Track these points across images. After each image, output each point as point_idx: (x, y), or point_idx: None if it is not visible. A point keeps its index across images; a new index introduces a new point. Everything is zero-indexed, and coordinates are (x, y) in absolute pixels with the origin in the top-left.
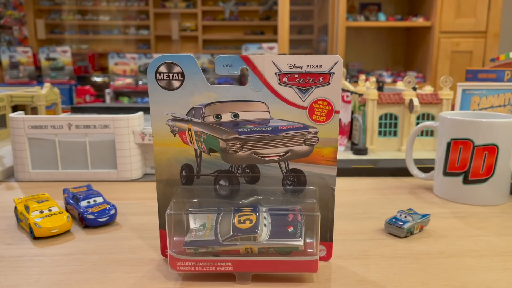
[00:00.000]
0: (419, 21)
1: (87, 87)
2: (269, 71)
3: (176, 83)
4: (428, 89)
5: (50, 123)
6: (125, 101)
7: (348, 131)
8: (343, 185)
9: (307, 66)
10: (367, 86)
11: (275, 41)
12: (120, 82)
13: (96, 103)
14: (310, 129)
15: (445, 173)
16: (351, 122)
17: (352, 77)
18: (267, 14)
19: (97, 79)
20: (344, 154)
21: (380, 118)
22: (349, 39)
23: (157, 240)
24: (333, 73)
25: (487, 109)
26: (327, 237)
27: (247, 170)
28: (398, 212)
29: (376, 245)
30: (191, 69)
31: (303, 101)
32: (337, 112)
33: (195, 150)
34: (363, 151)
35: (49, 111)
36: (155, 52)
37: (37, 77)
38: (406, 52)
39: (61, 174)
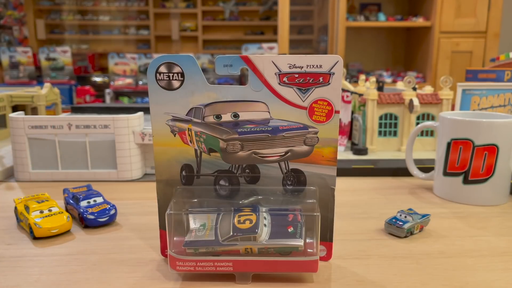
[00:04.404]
0: (419, 21)
1: (87, 87)
2: (269, 71)
3: (176, 83)
4: (428, 89)
5: (50, 123)
6: (125, 101)
7: (348, 131)
8: (343, 185)
9: (307, 66)
10: (367, 86)
11: (275, 41)
12: (120, 82)
13: (96, 103)
14: (310, 129)
15: (445, 173)
16: (351, 122)
17: (352, 77)
18: (267, 14)
19: (97, 79)
20: (344, 154)
21: (380, 118)
22: (349, 39)
23: (157, 240)
24: (333, 73)
25: (487, 109)
26: (327, 237)
27: (247, 170)
28: (398, 212)
29: (376, 245)
30: (191, 69)
31: (303, 101)
32: (337, 112)
33: (195, 150)
34: (363, 151)
35: (49, 111)
36: (155, 52)
37: (37, 77)
38: (406, 52)
39: (61, 174)
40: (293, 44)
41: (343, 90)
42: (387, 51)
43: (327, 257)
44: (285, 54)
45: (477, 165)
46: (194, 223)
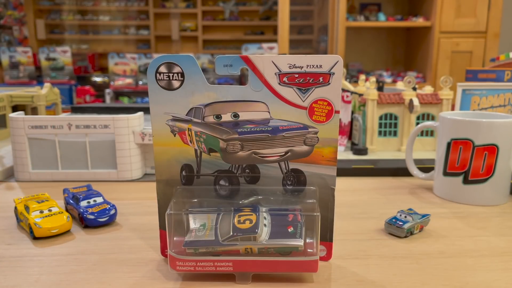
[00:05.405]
0: (419, 21)
1: (87, 87)
2: (269, 71)
3: (176, 83)
4: (428, 89)
5: (50, 123)
6: (125, 101)
7: (348, 131)
8: (343, 185)
9: (307, 66)
10: (367, 86)
11: (275, 41)
12: (120, 82)
13: (96, 103)
14: (310, 129)
15: (445, 173)
16: (351, 122)
17: (352, 77)
18: (267, 14)
19: (97, 79)
20: (344, 154)
21: (380, 118)
22: (349, 39)
23: (157, 240)
24: (333, 73)
25: (487, 109)
26: (327, 237)
27: (247, 170)
28: (398, 212)
29: (376, 245)
30: (191, 69)
31: (303, 101)
32: (337, 112)
33: (195, 150)
34: (363, 151)
35: (49, 111)
36: (155, 52)
37: (37, 77)
38: (406, 52)
39: (61, 174)
40: (293, 44)
41: (343, 90)
42: (387, 51)
43: (327, 257)
44: (285, 54)
45: (477, 165)
46: (194, 223)
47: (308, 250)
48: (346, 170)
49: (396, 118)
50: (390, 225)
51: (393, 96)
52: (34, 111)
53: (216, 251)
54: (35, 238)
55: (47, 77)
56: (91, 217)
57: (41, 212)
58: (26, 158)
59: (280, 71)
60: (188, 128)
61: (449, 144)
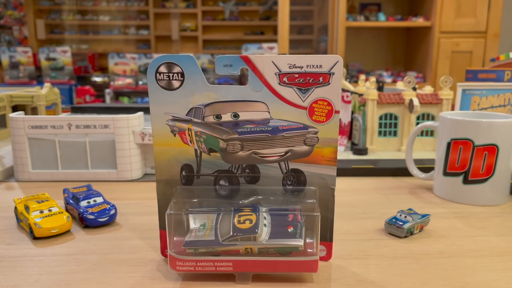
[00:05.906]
0: (419, 21)
1: (87, 87)
2: (269, 71)
3: (176, 83)
4: (428, 89)
5: (50, 123)
6: (125, 101)
7: (348, 131)
8: (343, 185)
9: (307, 66)
10: (367, 86)
11: (275, 41)
12: (120, 82)
13: (96, 103)
14: (310, 129)
15: (445, 173)
16: (351, 122)
17: (352, 77)
18: (267, 14)
19: (97, 79)
20: (344, 154)
21: (380, 118)
22: (349, 39)
23: (157, 240)
24: (333, 73)
25: (487, 109)
26: (327, 237)
27: (247, 170)
28: (398, 212)
29: (376, 245)
30: (191, 69)
31: (303, 101)
32: (337, 112)
33: (195, 150)
34: (363, 151)
35: (49, 111)
36: (155, 52)
37: (37, 77)
38: (406, 52)
39: (61, 174)
40: (293, 44)
41: (343, 90)
42: (387, 51)
43: (327, 257)
44: (285, 54)
45: (477, 165)
46: (194, 223)
47: (308, 250)
48: (346, 170)
49: (396, 118)
50: (390, 225)
51: (393, 96)
52: (34, 111)
53: (216, 251)
54: (35, 238)
55: (47, 77)
56: (91, 217)
57: (41, 212)
58: (26, 158)
59: (280, 71)
60: (188, 128)
61: (449, 144)
